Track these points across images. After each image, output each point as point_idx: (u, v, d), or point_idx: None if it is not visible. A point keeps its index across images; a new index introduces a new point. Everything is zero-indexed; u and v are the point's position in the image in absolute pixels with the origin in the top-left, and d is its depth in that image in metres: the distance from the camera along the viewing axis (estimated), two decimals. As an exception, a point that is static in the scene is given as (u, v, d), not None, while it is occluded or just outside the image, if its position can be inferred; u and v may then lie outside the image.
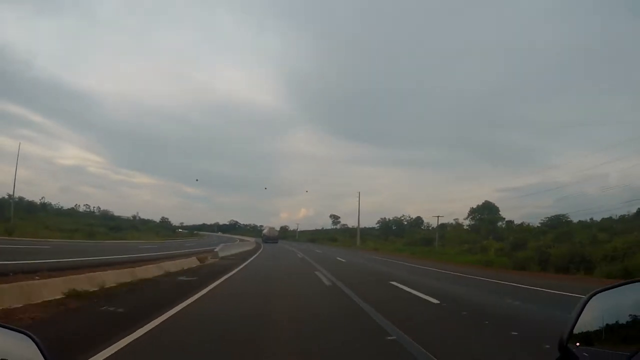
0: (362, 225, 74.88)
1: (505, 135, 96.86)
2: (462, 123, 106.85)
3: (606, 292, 1.31)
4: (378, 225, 76.49)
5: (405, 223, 73.52)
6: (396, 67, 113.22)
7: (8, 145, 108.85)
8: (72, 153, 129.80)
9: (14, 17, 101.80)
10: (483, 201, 52.53)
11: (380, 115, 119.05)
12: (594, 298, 1.30)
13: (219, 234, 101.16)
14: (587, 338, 1.26)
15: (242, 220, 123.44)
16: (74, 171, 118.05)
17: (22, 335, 1.12)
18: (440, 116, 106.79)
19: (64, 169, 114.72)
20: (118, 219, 72.35)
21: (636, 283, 1.29)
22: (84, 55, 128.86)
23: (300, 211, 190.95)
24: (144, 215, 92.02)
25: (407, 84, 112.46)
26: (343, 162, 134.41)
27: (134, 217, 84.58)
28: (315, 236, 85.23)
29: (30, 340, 1.11)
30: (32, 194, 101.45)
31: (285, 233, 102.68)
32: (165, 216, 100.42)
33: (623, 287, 1.29)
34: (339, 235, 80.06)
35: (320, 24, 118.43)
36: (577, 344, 1.25)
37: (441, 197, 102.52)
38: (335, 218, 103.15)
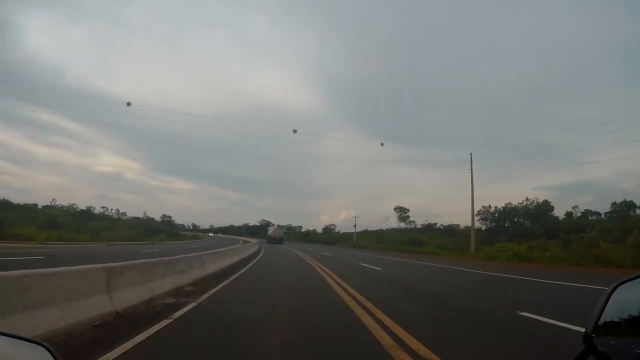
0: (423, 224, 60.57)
1: (539, 133, 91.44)
2: (494, 122, 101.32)
3: (630, 282, 1.28)
4: (480, 219, 48.84)
5: (527, 211, 45.43)
6: (431, 68, 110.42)
7: (42, 153, 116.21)
8: (107, 160, 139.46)
9: (45, 26, 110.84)
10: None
11: (415, 116, 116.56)
12: (618, 289, 1.27)
13: (220, 235, 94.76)
14: (613, 329, 1.24)
15: (278, 221, 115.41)
16: (110, 178, 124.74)
17: (37, 346, 1.08)
18: (471, 115, 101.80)
19: (100, 175, 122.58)
20: (96, 216, 66.29)
21: None
22: (117, 61, 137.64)
23: (341, 213, 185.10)
24: (179, 219, 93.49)
25: (441, 85, 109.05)
26: (380, 163, 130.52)
27: (139, 218, 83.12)
28: (379, 238, 57.95)
29: (46, 351, 1.07)
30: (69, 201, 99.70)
31: (330, 235, 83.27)
32: (193, 219, 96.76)
33: None
34: (423, 237, 51.12)
35: (355, 26, 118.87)
36: (603, 335, 1.24)
37: (477, 196, 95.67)
38: (402, 211, 74.50)
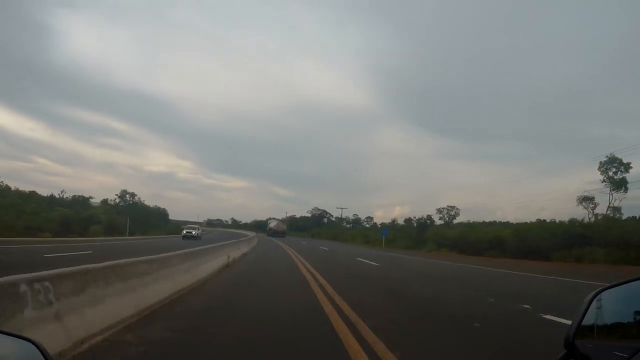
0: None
1: (589, 128, 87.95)
2: (542, 115, 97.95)
3: (612, 289, 1.31)
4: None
5: None
6: (478, 62, 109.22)
7: (90, 153, 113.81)
8: (159, 159, 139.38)
9: (88, 27, 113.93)
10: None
11: (464, 110, 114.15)
12: (600, 295, 1.31)
13: (219, 229, 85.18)
14: (593, 335, 1.27)
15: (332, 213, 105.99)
16: (162, 177, 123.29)
17: (25, 341, 1.06)
18: (520, 109, 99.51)
19: (151, 175, 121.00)
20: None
21: None
22: (164, 61, 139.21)
23: (395, 209, 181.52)
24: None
25: (488, 78, 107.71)
26: (431, 158, 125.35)
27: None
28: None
29: (34, 347, 1.05)
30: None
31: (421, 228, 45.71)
32: (238, 215, 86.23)
33: (629, 284, 1.28)
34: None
35: (403, 18, 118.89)
36: (583, 340, 1.27)
37: (526, 192, 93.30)
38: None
